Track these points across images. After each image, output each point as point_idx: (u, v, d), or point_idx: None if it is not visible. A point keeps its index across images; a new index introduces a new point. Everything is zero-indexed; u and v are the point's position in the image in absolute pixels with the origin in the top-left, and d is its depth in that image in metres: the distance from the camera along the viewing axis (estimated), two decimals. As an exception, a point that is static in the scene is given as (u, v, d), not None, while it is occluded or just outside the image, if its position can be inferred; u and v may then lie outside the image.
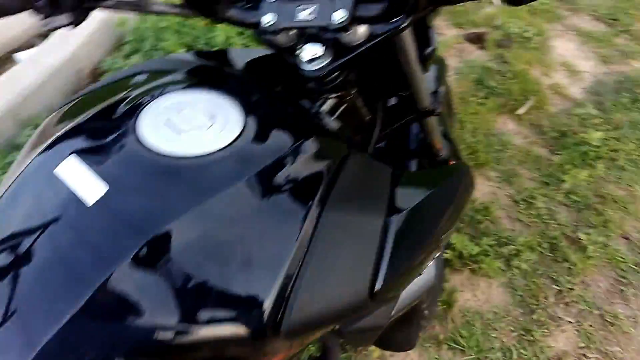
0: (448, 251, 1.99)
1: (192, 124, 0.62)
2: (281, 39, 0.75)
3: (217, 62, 0.88)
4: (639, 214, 2.09)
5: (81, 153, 0.59)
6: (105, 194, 0.55)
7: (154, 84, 0.72)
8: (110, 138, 0.61)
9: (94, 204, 0.54)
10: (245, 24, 0.77)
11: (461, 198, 0.83)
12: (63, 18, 0.70)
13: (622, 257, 1.98)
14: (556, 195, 2.18)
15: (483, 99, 2.60)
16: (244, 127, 0.63)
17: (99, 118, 0.66)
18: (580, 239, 2.03)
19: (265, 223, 0.56)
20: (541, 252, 2.02)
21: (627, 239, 2.04)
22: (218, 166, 0.58)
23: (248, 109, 0.65)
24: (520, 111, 2.48)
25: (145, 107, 0.64)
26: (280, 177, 0.60)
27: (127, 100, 0.67)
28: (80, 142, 0.62)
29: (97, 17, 2.64)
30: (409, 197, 0.71)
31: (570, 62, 2.98)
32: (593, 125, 2.43)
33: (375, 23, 0.71)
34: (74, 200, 0.55)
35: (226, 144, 0.60)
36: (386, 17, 0.69)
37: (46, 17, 0.69)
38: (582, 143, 2.32)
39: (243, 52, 0.94)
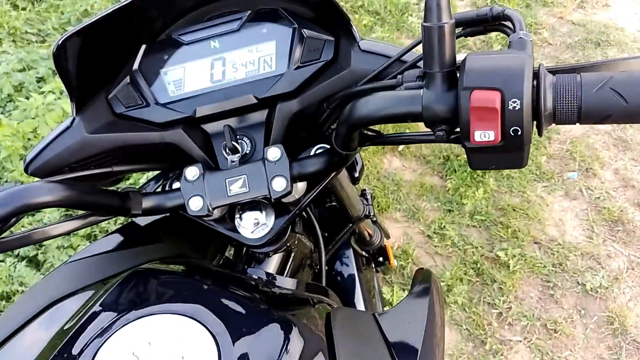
0: (385, 307, 1.94)
1: None
2: (214, 215, 0.68)
3: (127, 255, 0.78)
4: (538, 216, 2.22)
5: None
6: None
7: (88, 318, 0.57)
8: None
9: None
10: (170, 210, 0.69)
11: (442, 306, 0.81)
12: None
13: (540, 263, 2.07)
14: (462, 220, 2.24)
15: (363, 143, 2.63)
16: (219, 352, 0.51)
17: None
18: (499, 256, 2.09)
19: None
20: (469, 280, 2.05)
21: (537, 243, 2.15)
22: None
23: (209, 322, 0.54)
24: (400, 147, 2.54)
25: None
26: None
27: (66, 355, 0.52)
28: None
29: None
30: (406, 338, 0.67)
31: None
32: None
33: (316, 177, 0.69)
34: None
35: None
36: (329, 166, 0.66)
37: None
38: (466, 163, 2.42)
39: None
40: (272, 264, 0.78)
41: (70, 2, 3.30)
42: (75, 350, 0.51)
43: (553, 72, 0.48)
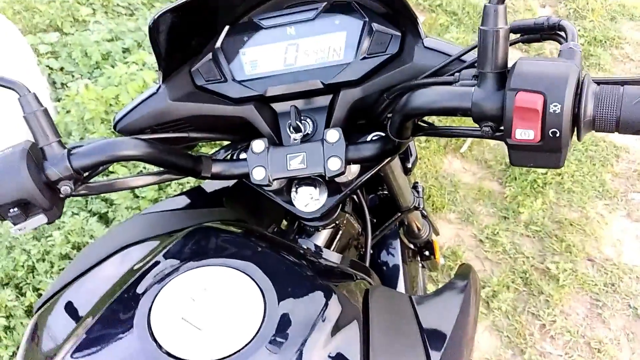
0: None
1: (208, 317, 0.56)
2: (273, 185, 0.74)
3: (193, 214, 0.87)
4: (596, 234, 2.17)
5: None
6: None
7: (153, 264, 0.64)
8: (125, 344, 0.55)
9: None
10: (236, 177, 0.76)
11: (477, 302, 0.84)
12: (38, 219, 0.65)
13: (592, 280, 2.04)
14: (517, 228, 2.23)
15: (425, 142, 2.65)
16: (265, 310, 0.57)
17: (107, 322, 0.58)
18: (549, 268, 2.08)
19: None
20: (516, 288, 2.05)
21: (591, 260, 2.11)
22: None
23: (260, 279, 0.60)
24: (463, 149, 2.54)
25: (154, 300, 0.57)
26: (318, 349, 0.55)
27: (131, 293, 0.60)
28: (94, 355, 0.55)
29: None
30: (438, 324, 0.70)
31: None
32: (532, 151, 2.52)
33: (370, 162, 0.74)
34: None
35: (251, 337, 0.54)
36: (382, 152, 0.70)
37: (21, 222, 0.64)
38: (528, 172, 2.40)
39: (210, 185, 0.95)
40: (321, 238, 0.84)
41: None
42: (140, 289, 0.59)
43: (599, 82, 0.51)
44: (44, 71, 2.86)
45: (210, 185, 0.98)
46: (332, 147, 0.69)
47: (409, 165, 0.99)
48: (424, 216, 1.32)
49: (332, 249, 0.87)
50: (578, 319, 1.97)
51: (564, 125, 0.49)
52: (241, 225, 0.84)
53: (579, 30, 2.97)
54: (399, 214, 1.11)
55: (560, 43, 0.57)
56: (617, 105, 0.48)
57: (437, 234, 1.53)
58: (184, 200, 0.95)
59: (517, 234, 2.22)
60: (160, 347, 0.52)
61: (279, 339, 0.54)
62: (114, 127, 0.81)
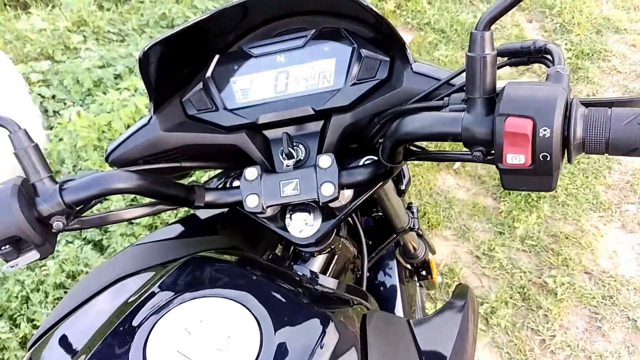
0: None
1: (204, 350, 0.55)
2: (267, 212, 0.74)
3: (187, 243, 0.85)
4: (591, 246, 2.18)
5: None
6: None
7: (149, 295, 0.64)
8: None
9: None
10: (229, 205, 0.76)
11: (475, 322, 0.84)
12: (31, 255, 0.64)
13: (590, 294, 2.03)
14: (513, 243, 2.23)
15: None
16: (261, 340, 0.56)
17: (103, 354, 0.58)
18: (547, 283, 2.07)
19: None
20: (515, 304, 2.04)
21: (588, 273, 2.11)
22: None
23: (255, 309, 0.59)
24: (455, 166, 2.55)
25: (150, 333, 0.57)
26: None
27: (126, 326, 0.59)
28: None
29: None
30: (437, 346, 0.70)
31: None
32: (525, 166, 2.53)
33: (363, 186, 0.74)
34: None
35: None
36: (374, 177, 0.70)
37: (13, 259, 0.63)
38: (521, 186, 2.40)
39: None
40: (317, 263, 0.83)
41: (150, 5, 3.50)
42: (135, 322, 0.59)
43: (587, 104, 0.52)
44: (35, 99, 2.86)
45: (204, 213, 0.97)
46: (325, 173, 0.69)
47: (403, 187, 1.00)
48: (419, 236, 1.33)
49: (328, 274, 0.86)
50: (577, 332, 1.96)
51: (554, 149, 0.49)
52: (236, 254, 0.84)
53: (565, 44, 3.01)
54: (395, 236, 1.11)
55: (548, 66, 0.58)
56: (606, 127, 0.48)
57: (433, 252, 1.53)
58: (178, 229, 0.95)
59: (513, 249, 2.22)
60: None
61: None
62: (106, 159, 0.81)
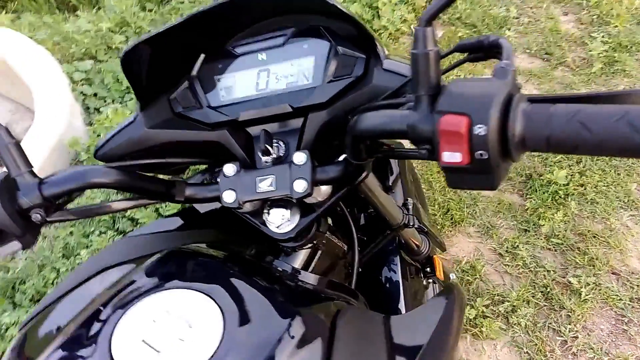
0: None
1: (167, 340, 0.58)
2: (245, 207, 0.75)
3: (178, 236, 0.87)
4: (621, 246, 2.10)
5: None
6: None
7: (123, 286, 0.68)
8: None
9: None
10: (208, 200, 0.78)
11: (459, 320, 0.83)
12: (13, 245, 0.68)
13: (616, 295, 1.97)
14: (537, 241, 2.18)
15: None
16: (224, 330, 0.58)
17: (71, 344, 0.62)
18: (571, 282, 2.02)
19: None
20: (537, 303, 2.00)
21: (616, 274, 2.04)
22: None
23: (223, 302, 0.61)
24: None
25: (118, 322, 0.60)
26: None
27: (97, 315, 0.63)
28: None
29: (52, 139, 2.57)
30: (410, 342, 0.70)
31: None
32: (555, 163, 2.47)
33: (337, 182, 0.73)
34: None
35: (210, 355, 0.56)
36: (345, 174, 0.70)
37: None
38: (549, 183, 2.35)
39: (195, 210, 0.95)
40: (299, 259, 0.84)
41: (190, 6, 3.61)
42: (106, 312, 0.62)
43: (533, 100, 0.51)
44: (78, 97, 3.01)
45: (203, 207, 1.00)
46: (298, 169, 0.71)
47: (389, 184, 0.99)
48: (424, 233, 1.31)
49: (311, 269, 0.87)
50: (602, 335, 1.90)
51: (490, 147, 0.47)
52: (220, 247, 0.87)
53: (602, 37, 2.90)
54: (389, 232, 1.11)
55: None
56: (547, 124, 0.46)
57: (442, 249, 1.52)
58: (175, 222, 0.98)
59: (537, 247, 2.17)
60: None
61: None
62: (94, 155, 0.85)
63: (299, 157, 0.71)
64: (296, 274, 0.82)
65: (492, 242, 2.23)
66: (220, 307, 0.60)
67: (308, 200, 0.74)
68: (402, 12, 3.16)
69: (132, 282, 0.67)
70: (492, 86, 0.49)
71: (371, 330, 0.71)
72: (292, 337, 0.59)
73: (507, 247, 2.19)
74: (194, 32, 0.76)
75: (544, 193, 2.31)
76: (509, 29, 3.04)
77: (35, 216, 0.67)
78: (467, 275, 2.12)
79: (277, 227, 0.76)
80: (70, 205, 0.74)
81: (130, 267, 0.78)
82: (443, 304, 0.82)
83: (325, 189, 0.76)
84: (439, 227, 2.31)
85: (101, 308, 0.64)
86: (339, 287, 0.87)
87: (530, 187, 2.36)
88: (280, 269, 0.81)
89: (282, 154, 0.76)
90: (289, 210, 0.76)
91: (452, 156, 0.50)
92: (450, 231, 2.31)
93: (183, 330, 0.58)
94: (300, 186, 0.70)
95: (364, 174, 0.75)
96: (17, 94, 3.08)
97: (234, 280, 0.67)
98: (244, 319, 0.59)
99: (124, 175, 0.71)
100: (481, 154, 0.48)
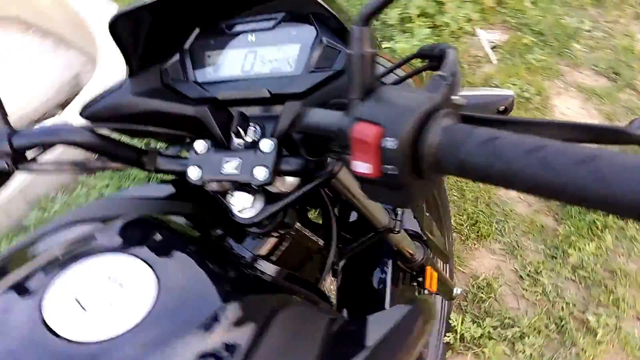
0: (449, 334, 1.89)
1: (98, 301, 0.58)
2: (211, 186, 0.74)
3: (156, 204, 0.86)
4: (652, 291, 1.96)
5: None
6: None
7: (74, 245, 0.69)
8: (16, 323, 0.58)
9: None
10: (175, 173, 0.78)
11: (417, 336, 0.80)
12: None
13: (637, 343, 1.84)
14: (563, 270, 2.07)
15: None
16: (155, 302, 0.58)
17: (11, 291, 0.63)
18: (589, 320, 1.90)
19: None
20: (548, 335, 1.90)
21: (640, 319, 1.91)
22: (126, 350, 0.54)
23: (163, 275, 0.61)
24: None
25: (56, 278, 0.61)
26: (194, 350, 0.55)
27: (38, 271, 0.64)
28: None
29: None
30: (351, 348, 0.68)
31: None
32: (600, 190, 2.32)
33: (301, 175, 0.71)
34: None
35: (137, 322, 0.56)
36: (306, 168, 0.68)
37: None
38: (584, 211, 2.21)
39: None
40: (263, 247, 0.83)
41: None
42: (50, 267, 0.64)
43: (467, 119, 0.46)
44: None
45: None
46: (263, 157, 0.69)
47: None
48: (420, 240, 1.26)
49: (273, 260, 0.86)
50: (611, 381, 1.79)
51: (400, 163, 0.44)
52: (188, 222, 0.86)
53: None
54: (372, 234, 1.07)
55: None
56: (462, 146, 0.41)
57: (445, 261, 1.46)
58: (166, 189, 0.98)
59: (562, 276, 2.05)
60: (46, 324, 0.56)
61: (157, 330, 0.56)
62: (79, 113, 0.86)
63: (265, 145, 0.69)
64: (253, 261, 0.80)
65: (516, 263, 2.13)
66: (158, 279, 0.60)
67: (270, 189, 0.73)
68: (468, 10, 3.03)
69: (83, 241, 0.68)
70: (417, 98, 0.45)
71: (311, 329, 0.69)
72: (221, 319, 0.58)
73: (529, 271, 2.09)
74: (190, 5, 0.75)
75: (580, 221, 2.18)
76: (578, 42, 2.86)
77: (1, 163, 0.69)
78: (482, 293, 2.04)
79: (239, 211, 0.75)
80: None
81: (91, 227, 0.79)
82: (401, 315, 0.79)
83: (291, 181, 0.73)
84: (463, 238, 2.23)
85: (44, 265, 0.65)
86: (301, 282, 0.85)
87: (567, 212, 2.23)
88: (238, 253, 0.80)
89: (257, 139, 0.74)
90: (253, 197, 0.74)
91: (362, 166, 0.46)
92: (475, 244, 2.22)
93: (116, 294, 0.59)
94: (260, 173, 0.68)
95: (328, 170, 0.73)
96: (91, 48, 3.22)
97: (181, 255, 0.67)
98: (179, 295, 0.59)
99: (97, 137, 0.72)
100: (391, 169, 0.45)
